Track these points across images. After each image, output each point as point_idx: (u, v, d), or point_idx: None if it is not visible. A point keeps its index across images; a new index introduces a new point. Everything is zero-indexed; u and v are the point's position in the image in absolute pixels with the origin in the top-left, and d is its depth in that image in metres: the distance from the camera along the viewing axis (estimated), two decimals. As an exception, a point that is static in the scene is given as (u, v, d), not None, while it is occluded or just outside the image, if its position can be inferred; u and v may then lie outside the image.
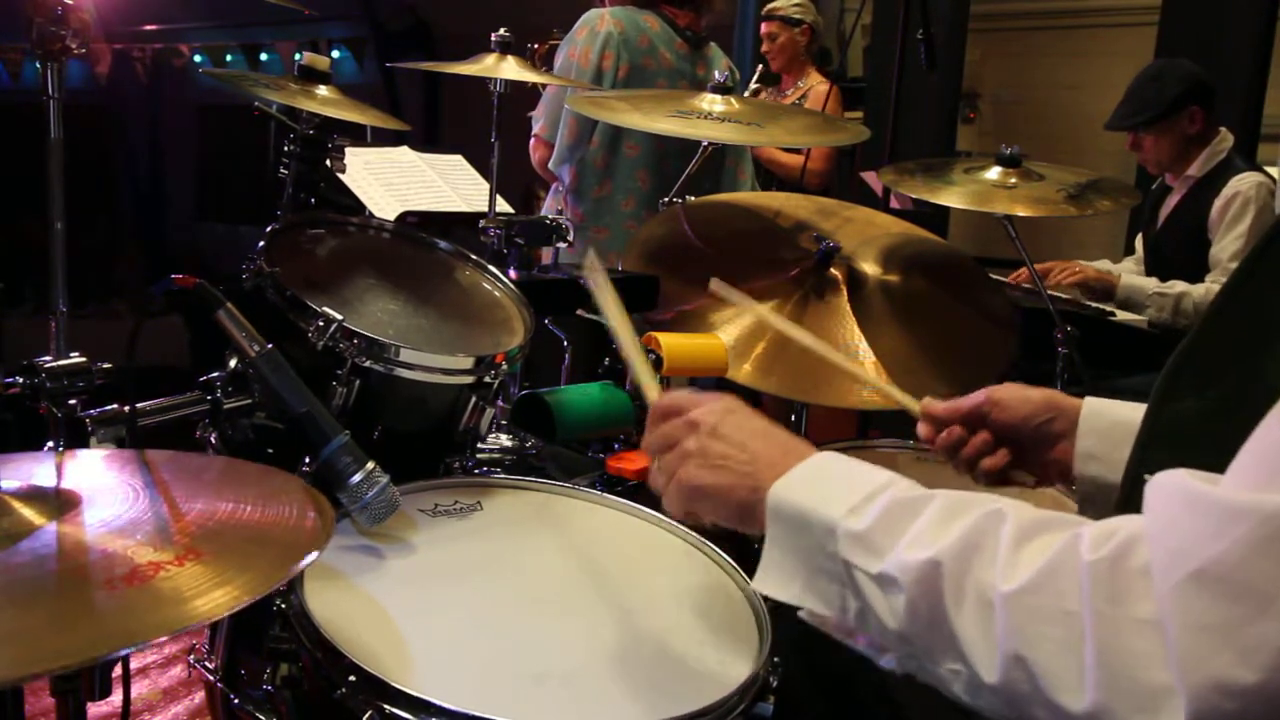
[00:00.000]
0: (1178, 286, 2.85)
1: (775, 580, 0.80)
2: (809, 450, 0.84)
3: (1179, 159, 3.01)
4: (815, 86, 3.78)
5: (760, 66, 3.93)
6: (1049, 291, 2.42)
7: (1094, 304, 2.99)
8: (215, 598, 0.70)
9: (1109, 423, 1.08)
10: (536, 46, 3.18)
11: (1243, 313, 0.74)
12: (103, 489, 0.87)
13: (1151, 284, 2.91)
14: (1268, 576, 0.56)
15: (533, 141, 2.87)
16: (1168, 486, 0.64)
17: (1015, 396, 1.14)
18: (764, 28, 3.86)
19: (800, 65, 3.84)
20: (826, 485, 0.79)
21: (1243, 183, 2.86)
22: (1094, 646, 0.61)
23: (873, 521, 0.74)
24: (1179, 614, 0.58)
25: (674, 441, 0.90)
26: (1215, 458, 0.68)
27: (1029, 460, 1.15)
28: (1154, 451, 0.78)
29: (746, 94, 3.78)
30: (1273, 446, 0.61)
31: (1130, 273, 3.16)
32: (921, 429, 1.22)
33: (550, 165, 2.86)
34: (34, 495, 0.83)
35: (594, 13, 2.82)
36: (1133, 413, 1.07)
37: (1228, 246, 2.84)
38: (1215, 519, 0.59)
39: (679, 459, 0.88)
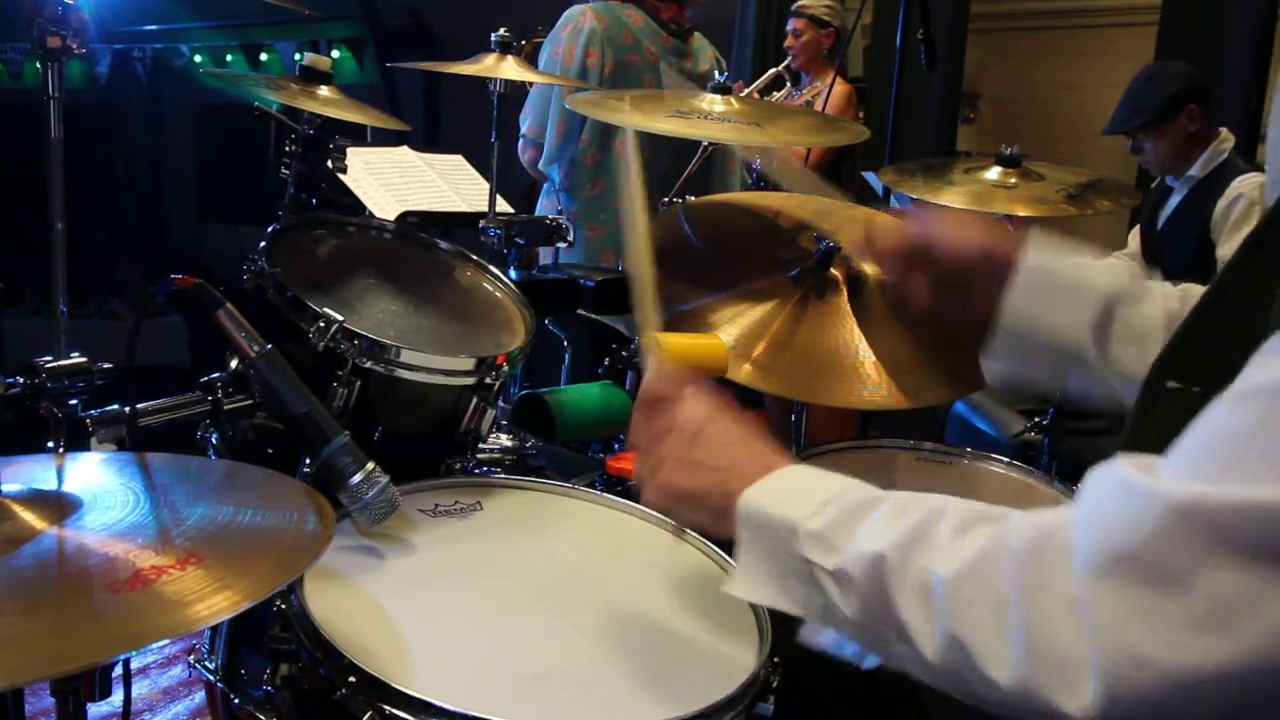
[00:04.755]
0: (1192, 290, 2.85)
1: (747, 583, 0.83)
2: (783, 461, 0.86)
3: (1181, 159, 3.01)
4: (835, 89, 3.78)
5: (785, 62, 3.92)
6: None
7: None
8: (217, 602, 0.70)
9: (1049, 284, 1.08)
10: (524, 44, 3.18)
11: (1229, 310, 0.76)
12: (104, 492, 0.87)
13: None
14: (1178, 560, 0.59)
15: (520, 142, 2.88)
16: (1102, 473, 0.67)
17: (954, 237, 1.14)
18: (791, 23, 3.85)
19: (820, 66, 3.84)
20: (791, 490, 0.82)
21: (1245, 184, 2.86)
22: (1018, 624, 0.65)
23: (829, 520, 0.77)
24: (1096, 594, 0.61)
25: (657, 439, 0.91)
26: None
27: (960, 297, 1.15)
28: (1145, 445, 0.77)
29: (754, 89, 3.78)
30: (1208, 432, 0.63)
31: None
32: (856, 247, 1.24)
33: (540, 164, 2.86)
34: (35, 499, 0.83)
35: (576, 9, 2.81)
36: (1076, 272, 1.08)
37: (1234, 249, 2.83)
38: (1137, 504, 0.62)
39: (660, 458, 0.90)
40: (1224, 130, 3.00)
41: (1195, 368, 0.76)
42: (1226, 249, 2.87)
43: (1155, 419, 0.79)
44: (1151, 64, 3.16)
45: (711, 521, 0.87)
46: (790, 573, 0.79)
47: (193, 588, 0.72)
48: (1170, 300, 1.10)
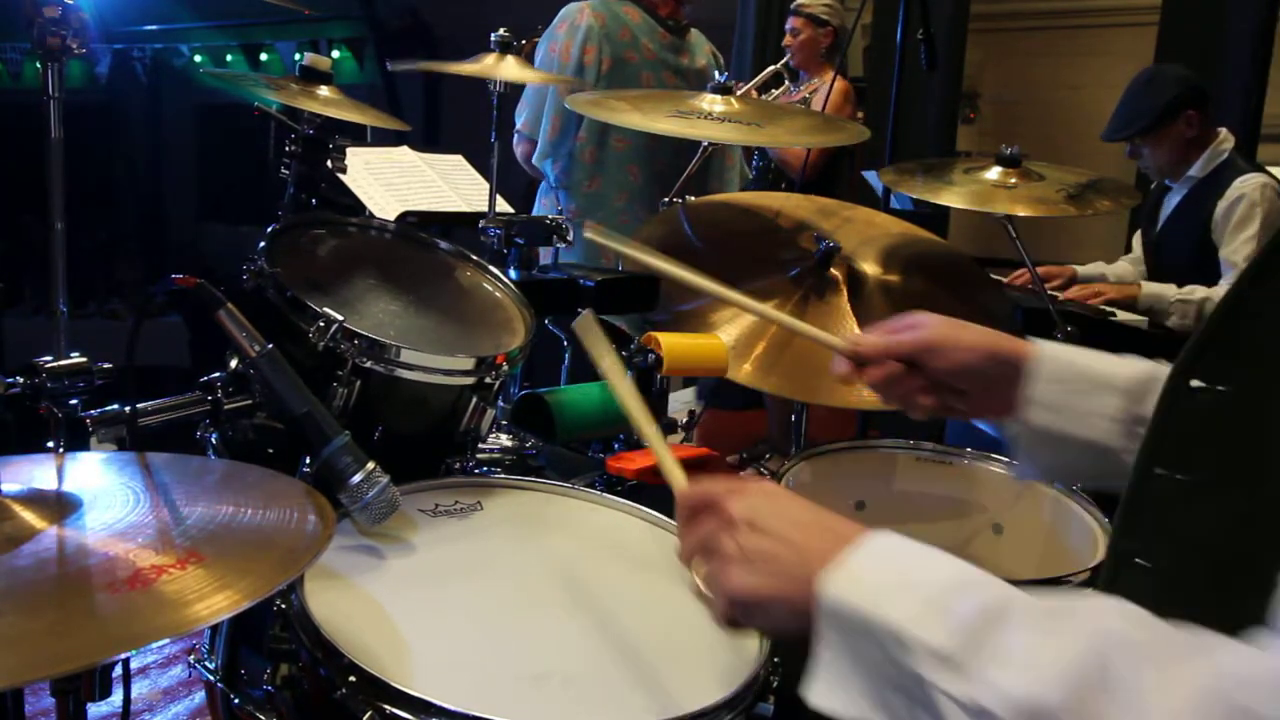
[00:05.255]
0: (1198, 292, 2.85)
1: (836, 693, 0.69)
2: (857, 532, 0.74)
3: (1179, 163, 3.00)
4: (834, 85, 3.79)
5: (784, 60, 3.92)
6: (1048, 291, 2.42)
7: (1094, 304, 2.99)
8: (217, 601, 0.70)
9: (1072, 373, 1.03)
10: (523, 44, 3.19)
11: (1260, 306, 0.73)
12: (104, 492, 0.87)
13: (1171, 291, 2.90)
14: None
15: (515, 137, 2.89)
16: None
17: (953, 343, 1.08)
18: (790, 21, 3.86)
19: (818, 65, 3.84)
20: (883, 578, 0.69)
21: (1246, 184, 2.86)
22: None
23: (950, 633, 0.63)
24: None
25: (711, 544, 0.80)
26: (1229, 451, 0.69)
27: (968, 401, 1.11)
28: (1167, 444, 0.77)
29: (752, 87, 3.78)
30: None
31: (1126, 272, 3.16)
32: (839, 365, 1.14)
33: (535, 160, 2.88)
34: (35, 499, 0.83)
35: (573, 6, 2.83)
36: (1094, 361, 1.04)
37: (1239, 249, 2.83)
38: None
39: (720, 565, 0.78)
40: (1223, 131, 3.00)
41: (1221, 367, 0.74)
42: (1229, 249, 2.87)
43: (1179, 419, 0.76)
44: (1148, 69, 3.16)
45: (794, 623, 0.73)
46: (892, 687, 0.66)
47: (193, 587, 0.72)
48: None
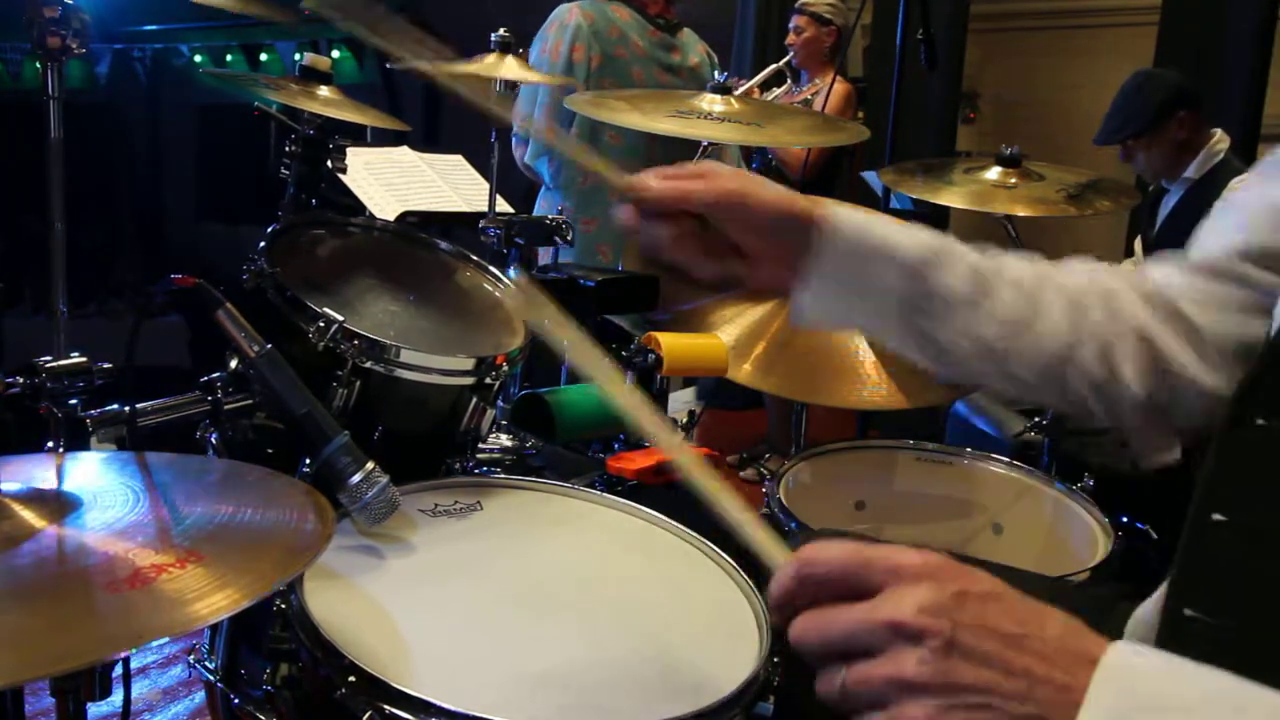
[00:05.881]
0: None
1: None
2: (1096, 651, 0.55)
3: (1173, 166, 3.00)
4: (834, 88, 3.79)
5: (787, 59, 3.92)
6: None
7: None
8: (217, 600, 0.70)
9: (865, 247, 0.91)
10: (523, 52, 3.22)
11: None
12: (104, 491, 0.87)
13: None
14: None
15: (514, 140, 2.92)
16: None
17: (754, 199, 0.91)
18: (794, 19, 3.86)
19: (820, 64, 3.84)
20: None
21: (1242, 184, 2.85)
22: None
23: None
24: None
25: (870, 651, 0.56)
26: None
27: (752, 266, 0.95)
28: (1224, 487, 0.69)
29: (754, 84, 3.79)
30: None
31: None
32: (623, 213, 0.94)
33: (527, 159, 2.91)
34: (35, 498, 0.83)
35: (563, 7, 2.88)
36: (886, 232, 0.91)
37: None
38: None
39: (891, 690, 0.55)
40: (1218, 131, 2.99)
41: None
42: None
43: (1237, 459, 0.68)
44: (1139, 72, 3.16)
45: None
46: None
47: (192, 586, 0.72)
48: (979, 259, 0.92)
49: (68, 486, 0.88)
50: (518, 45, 1.92)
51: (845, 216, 0.93)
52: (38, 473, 0.90)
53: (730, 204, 0.92)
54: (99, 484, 0.89)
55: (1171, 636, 0.71)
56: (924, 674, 0.54)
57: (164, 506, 0.85)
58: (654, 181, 0.92)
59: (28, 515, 0.80)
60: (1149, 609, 0.85)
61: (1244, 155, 3.10)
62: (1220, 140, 2.96)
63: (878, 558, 0.58)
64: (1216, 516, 0.68)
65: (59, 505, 0.83)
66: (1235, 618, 0.68)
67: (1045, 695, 0.53)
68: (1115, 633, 0.91)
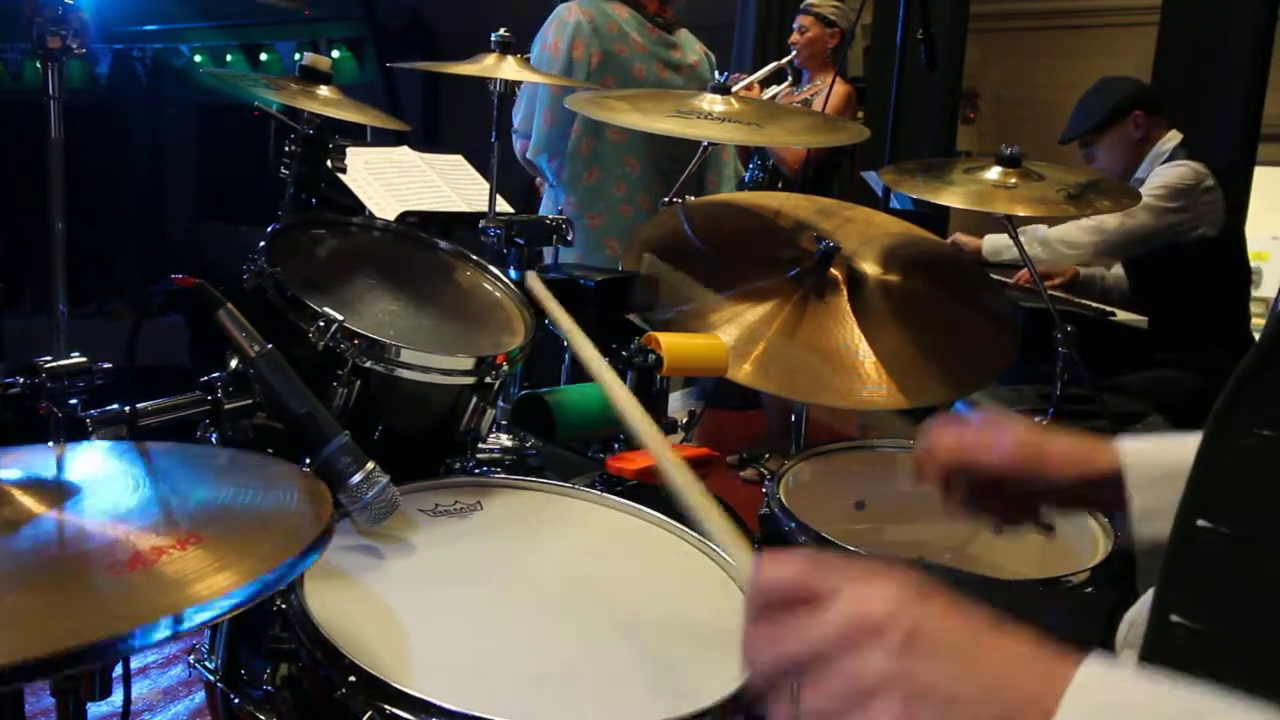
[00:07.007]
0: (1040, 231, 2.93)
1: None
2: (1062, 665, 0.53)
3: (1130, 164, 3.01)
4: (835, 88, 3.80)
5: (789, 57, 3.92)
6: (1049, 291, 2.43)
7: (1094, 304, 2.99)
8: (217, 581, 0.70)
9: (1161, 472, 0.92)
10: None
11: None
12: (104, 477, 0.87)
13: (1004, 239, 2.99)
14: None
15: (514, 137, 2.94)
16: None
17: (1049, 463, 0.93)
18: (798, 19, 3.87)
19: (821, 65, 3.85)
20: None
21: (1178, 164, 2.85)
22: None
23: None
24: None
25: (828, 659, 0.54)
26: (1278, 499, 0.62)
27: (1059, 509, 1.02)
28: (1210, 494, 0.69)
29: (756, 79, 3.79)
30: None
31: (1123, 276, 3.16)
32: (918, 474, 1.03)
33: (529, 154, 2.93)
34: (34, 484, 0.83)
35: (563, 6, 2.92)
36: (1179, 450, 0.89)
37: (1149, 191, 2.80)
38: None
39: (852, 698, 0.52)
40: (1172, 131, 2.99)
41: (1266, 412, 0.67)
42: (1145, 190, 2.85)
43: (1223, 467, 0.69)
44: (1104, 77, 3.18)
45: None
46: None
47: (193, 568, 0.72)
48: None
49: (68, 475, 0.88)
50: (518, 45, 1.92)
51: (1139, 452, 0.92)
52: (37, 463, 0.90)
53: (1021, 471, 0.93)
54: (99, 471, 0.90)
55: (1157, 641, 0.71)
56: (885, 673, 0.51)
57: (164, 491, 0.85)
58: (941, 445, 0.96)
59: (27, 501, 0.80)
60: (1140, 611, 0.85)
61: (1244, 155, 3.10)
62: (1171, 138, 2.96)
63: (832, 560, 0.56)
64: (1201, 523, 0.68)
65: (59, 491, 0.83)
66: (1219, 624, 0.68)
67: (1014, 699, 0.51)
68: (1109, 637, 0.91)
